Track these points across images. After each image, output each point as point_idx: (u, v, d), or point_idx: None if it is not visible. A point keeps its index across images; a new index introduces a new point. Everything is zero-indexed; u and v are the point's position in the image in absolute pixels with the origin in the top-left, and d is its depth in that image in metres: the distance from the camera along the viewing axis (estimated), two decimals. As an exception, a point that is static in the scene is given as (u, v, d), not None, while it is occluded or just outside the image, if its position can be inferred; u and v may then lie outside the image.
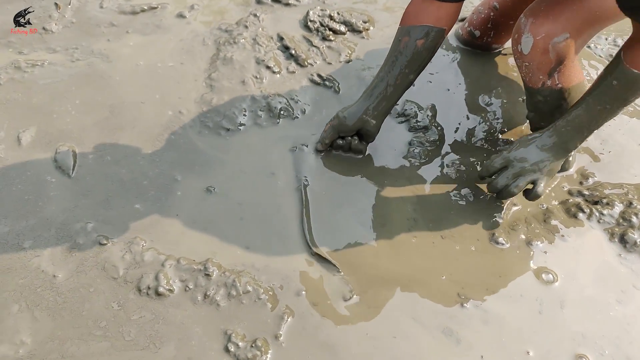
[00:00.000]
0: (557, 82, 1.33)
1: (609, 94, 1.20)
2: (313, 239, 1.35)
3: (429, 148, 1.55)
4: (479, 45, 1.81)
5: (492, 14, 1.71)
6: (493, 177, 1.35)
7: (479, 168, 1.50)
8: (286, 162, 1.51)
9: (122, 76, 1.70)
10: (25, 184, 1.44)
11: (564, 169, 1.50)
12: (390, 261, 1.33)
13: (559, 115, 1.34)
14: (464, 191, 1.46)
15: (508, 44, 1.81)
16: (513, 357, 1.18)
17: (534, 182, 1.31)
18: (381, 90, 1.41)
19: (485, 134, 1.60)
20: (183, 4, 1.96)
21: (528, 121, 1.49)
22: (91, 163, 1.49)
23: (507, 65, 1.79)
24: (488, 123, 1.62)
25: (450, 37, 1.88)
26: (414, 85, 1.70)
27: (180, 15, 1.91)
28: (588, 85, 1.32)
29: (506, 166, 1.32)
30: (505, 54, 1.82)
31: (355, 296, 1.27)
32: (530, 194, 1.32)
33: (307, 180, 1.47)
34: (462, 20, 1.89)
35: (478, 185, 1.47)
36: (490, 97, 1.69)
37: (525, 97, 1.47)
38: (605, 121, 1.25)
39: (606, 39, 1.86)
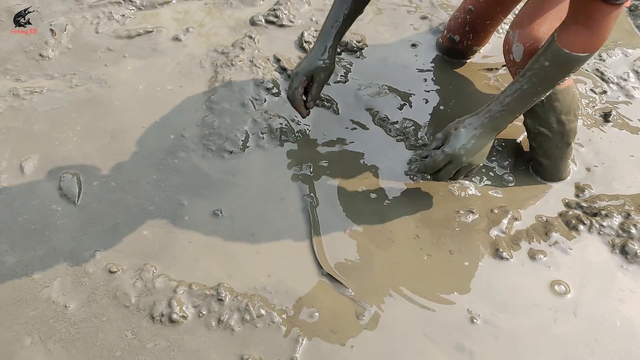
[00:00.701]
0: None
1: (541, 75, 1.24)
2: (324, 258, 1.37)
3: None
4: (461, 51, 1.87)
5: (468, 17, 1.77)
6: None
7: (483, 184, 1.54)
8: (292, 183, 1.53)
9: (122, 101, 1.71)
10: (31, 214, 1.43)
11: (559, 178, 1.56)
12: (399, 279, 1.35)
13: (554, 117, 1.42)
14: (465, 207, 1.49)
15: (490, 55, 1.87)
16: (525, 370, 1.21)
17: (472, 169, 1.37)
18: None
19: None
20: (178, 27, 1.97)
21: (524, 131, 1.54)
22: (96, 190, 1.49)
23: (498, 79, 1.84)
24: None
25: (433, 48, 1.91)
26: (410, 105, 1.74)
27: (176, 39, 1.92)
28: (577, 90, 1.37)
29: (450, 161, 1.34)
30: (491, 69, 1.86)
31: (367, 315, 1.28)
32: (468, 177, 1.43)
33: (313, 199, 1.49)
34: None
35: (477, 202, 1.51)
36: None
37: None
38: (535, 102, 1.30)
39: (593, 54, 1.93)
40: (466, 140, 1.32)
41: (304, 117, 1.53)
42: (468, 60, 1.90)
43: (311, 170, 1.56)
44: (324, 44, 1.47)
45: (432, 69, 1.87)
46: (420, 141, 1.64)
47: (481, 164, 1.37)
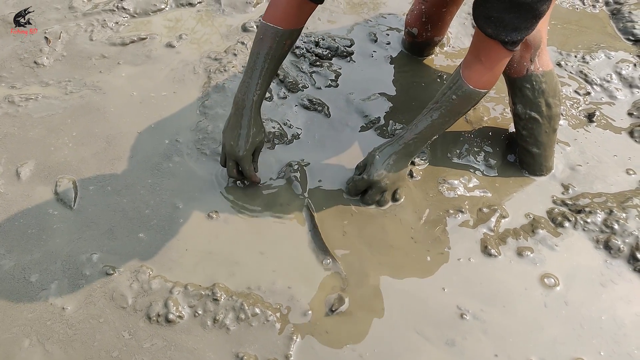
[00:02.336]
0: (539, 66, 1.48)
1: (450, 107, 1.40)
2: (324, 245, 1.42)
3: (419, 167, 1.62)
4: (422, 44, 1.92)
5: (423, 7, 1.82)
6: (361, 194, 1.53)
7: (471, 184, 1.58)
8: (285, 186, 1.56)
9: (117, 107, 1.74)
10: (28, 218, 1.45)
11: (547, 169, 1.62)
12: (391, 278, 1.38)
13: (542, 99, 1.50)
14: (455, 207, 1.53)
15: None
16: (513, 363, 1.25)
17: (395, 190, 1.53)
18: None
19: (470, 149, 1.68)
20: (171, 33, 2.01)
21: (508, 131, 1.58)
22: (92, 194, 1.51)
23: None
24: (472, 139, 1.70)
25: (399, 45, 1.96)
26: (399, 107, 1.78)
27: (170, 45, 1.96)
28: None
29: (370, 186, 1.49)
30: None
31: (361, 313, 1.31)
32: (395, 199, 1.54)
33: (308, 199, 1.52)
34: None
35: (461, 204, 1.55)
36: (473, 112, 1.77)
37: (508, 98, 1.60)
38: (444, 130, 1.45)
39: (575, 57, 1.98)
40: (381, 166, 1.46)
41: (259, 183, 1.54)
42: (432, 56, 1.97)
43: (303, 172, 1.59)
44: (253, 118, 1.43)
45: (420, 71, 1.91)
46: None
47: (403, 186, 1.54)
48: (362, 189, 1.51)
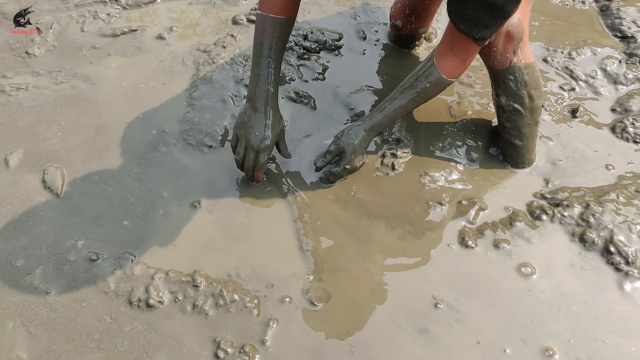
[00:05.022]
0: (521, 58, 1.51)
1: (422, 94, 1.50)
2: None
3: (401, 160, 1.65)
4: (406, 36, 1.94)
5: (406, 0, 1.84)
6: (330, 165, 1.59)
7: (453, 177, 1.60)
8: (269, 176, 1.59)
9: (106, 97, 1.77)
10: (15, 205, 1.48)
11: (529, 161, 1.65)
12: (368, 267, 1.41)
13: (525, 91, 1.53)
14: (435, 199, 1.55)
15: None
16: (489, 354, 1.27)
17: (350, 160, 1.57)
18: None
19: (452, 142, 1.70)
20: (162, 26, 2.03)
21: (491, 124, 1.62)
22: (79, 182, 1.54)
23: (470, 75, 1.90)
24: (455, 132, 1.72)
25: (386, 39, 1.99)
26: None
27: (160, 37, 1.98)
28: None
29: (339, 153, 1.56)
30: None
31: (336, 301, 1.34)
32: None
33: (292, 186, 1.55)
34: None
35: (444, 194, 1.57)
36: (457, 105, 1.79)
37: (492, 91, 1.62)
38: (408, 113, 1.58)
39: (562, 52, 1.99)
40: (359, 152, 1.55)
41: (259, 182, 1.57)
42: (418, 49, 2.00)
43: (288, 164, 1.62)
44: (272, 108, 1.47)
45: (407, 64, 1.94)
46: (393, 136, 1.70)
47: (363, 156, 1.60)
48: (334, 156, 1.57)
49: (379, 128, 1.55)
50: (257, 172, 1.51)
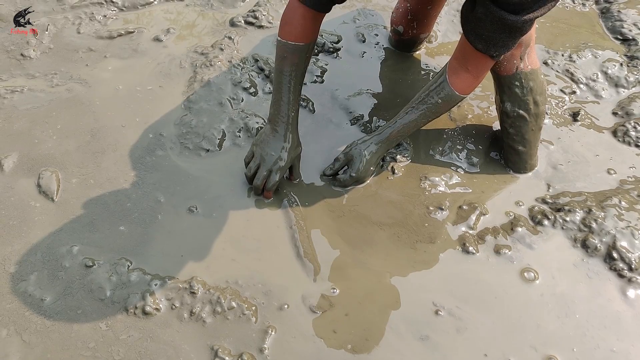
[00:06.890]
0: (527, 64, 1.50)
1: (433, 110, 1.48)
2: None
3: (401, 164, 1.63)
4: (408, 41, 1.93)
5: (408, 5, 1.83)
6: (339, 174, 1.58)
7: (453, 181, 1.59)
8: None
9: (102, 100, 1.74)
10: (9, 209, 1.46)
11: (531, 166, 1.63)
12: (368, 274, 1.39)
13: (530, 97, 1.52)
14: (436, 204, 1.54)
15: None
16: None
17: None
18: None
19: (452, 146, 1.68)
20: (159, 27, 2.01)
21: (493, 129, 1.60)
22: (75, 187, 1.52)
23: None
24: (455, 136, 1.71)
25: (386, 42, 1.97)
26: (383, 103, 1.79)
27: (157, 39, 1.96)
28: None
29: (348, 162, 1.56)
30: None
31: (336, 309, 1.32)
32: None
33: (291, 195, 1.53)
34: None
35: (443, 200, 1.55)
36: (457, 109, 1.78)
37: (495, 96, 1.61)
38: (421, 127, 1.55)
39: (562, 55, 1.98)
40: (368, 164, 1.54)
41: (270, 198, 1.55)
42: (419, 52, 1.98)
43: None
44: (291, 132, 1.50)
45: (407, 68, 1.92)
46: (393, 140, 1.68)
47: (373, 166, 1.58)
48: (342, 166, 1.57)
49: (390, 142, 1.54)
50: (266, 191, 1.51)
